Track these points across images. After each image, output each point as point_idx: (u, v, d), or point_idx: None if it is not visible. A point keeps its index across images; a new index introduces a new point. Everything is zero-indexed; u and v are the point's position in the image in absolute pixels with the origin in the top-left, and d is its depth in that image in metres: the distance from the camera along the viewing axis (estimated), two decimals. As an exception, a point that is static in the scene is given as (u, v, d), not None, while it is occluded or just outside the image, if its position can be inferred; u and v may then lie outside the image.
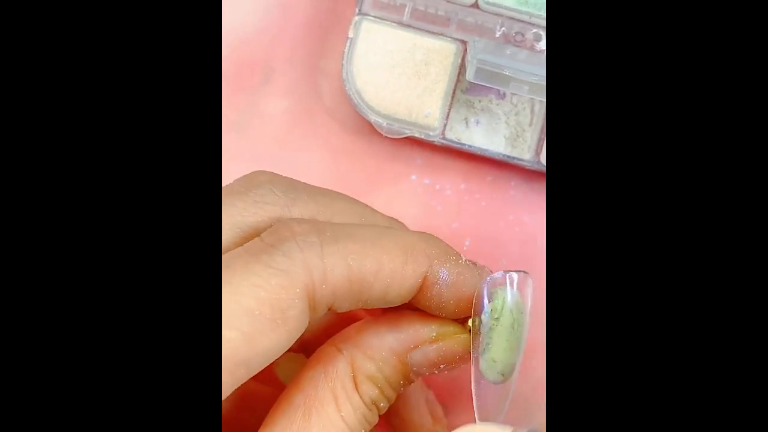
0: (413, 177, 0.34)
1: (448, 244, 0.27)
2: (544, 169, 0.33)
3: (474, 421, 0.26)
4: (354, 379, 0.25)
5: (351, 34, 0.32)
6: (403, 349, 0.26)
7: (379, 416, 0.27)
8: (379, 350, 0.26)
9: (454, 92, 0.33)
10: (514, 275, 0.26)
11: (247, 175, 0.27)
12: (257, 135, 0.34)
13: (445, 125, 0.33)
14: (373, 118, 0.32)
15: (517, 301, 0.26)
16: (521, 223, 0.34)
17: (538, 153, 0.33)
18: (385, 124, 0.32)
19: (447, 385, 0.33)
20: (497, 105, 0.33)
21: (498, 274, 0.26)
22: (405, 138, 0.33)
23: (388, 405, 0.26)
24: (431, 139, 0.33)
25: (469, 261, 0.27)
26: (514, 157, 0.33)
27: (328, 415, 0.25)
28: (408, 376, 0.26)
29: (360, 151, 0.34)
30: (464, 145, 0.33)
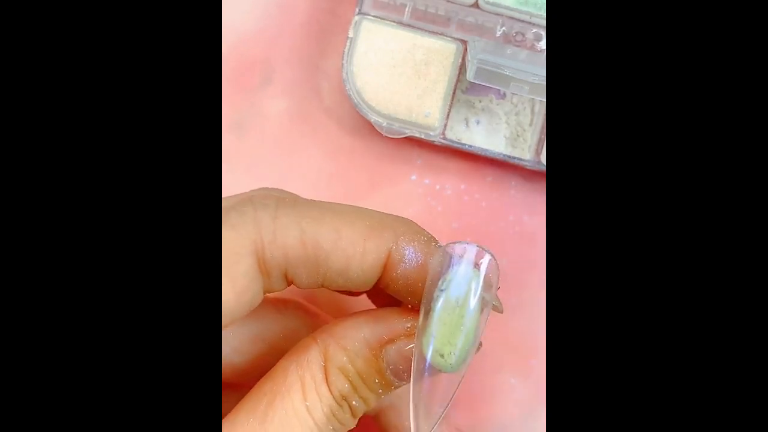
0: (413, 177, 0.34)
1: (421, 228, 0.26)
2: (544, 169, 0.33)
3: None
4: (324, 369, 0.24)
5: (351, 34, 0.32)
6: (377, 341, 0.24)
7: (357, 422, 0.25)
8: (352, 341, 0.24)
9: (454, 92, 0.33)
10: (468, 248, 0.24)
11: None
12: (257, 135, 0.34)
13: (445, 125, 0.33)
14: (373, 117, 0.32)
15: (472, 277, 0.23)
16: (521, 223, 0.34)
17: (538, 153, 0.33)
18: (385, 124, 0.32)
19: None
20: (497, 105, 0.33)
21: (453, 245, 0.24)
22: (405, 138, 0.33)
23: (363, 407, 0.25)
24: (431, 139, 0.32)
25: (440, 245, 0.25)
26: (514, 157, 0.33)
27: (292, 404, 0.24)
28: (383, 374, 0.25)
29: (360, 151, 0.34)
30: (464, 145, 0.33)
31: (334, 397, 0.24)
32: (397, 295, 0.25)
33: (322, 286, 0.25)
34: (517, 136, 0.33)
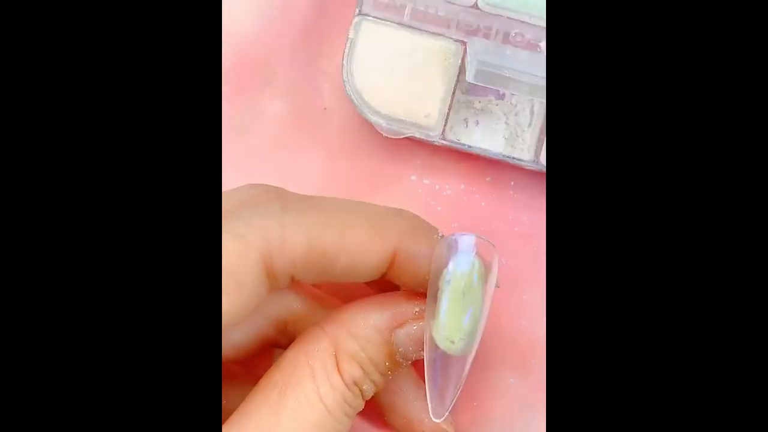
0: (413, 177, 0.34)
1: (423, 219, 0.26)
2: (544, 169, 0.33)
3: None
4: (335, 357, 0.25)
5: (351, 35, 0.32)
6: (386, 326, 0.25)
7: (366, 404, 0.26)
8: (363, 328, 0.25)
9: (453, 93, 0.33)
10: (468, 239, 0.25)
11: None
12: (257, 135, 0.34)
13: (444, 126, 0.33)
14: (373, 118, 0.32)
15: (473, 266, 0.25)
16: (521, 223, 0.34)
17: (537, 153, 0.33)
18: (385, 125, 0.32)
19: None
20: (497, 105, 0.33)
21: (454, 237, 0.25)
22: (405, 138, 0.33)
23: (373, 389, 0.26)
24: (431, 139, 0.33)
25: (443, 235, 0.26)
26: (513, 158, 0.33)
27: (304, 393, 0.24)
28: (394, 357, 0.25)
29: (360, 151, 0.34)
30: (464, 145, 0.33)
31: (346, 383, 0.25)
32: (404, 286, 0.26)
33: (327, 283, 0.26)
34: (516, 136, 0.33)
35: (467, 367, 0.25)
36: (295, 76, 0.34)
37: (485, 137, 0.33)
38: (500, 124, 0.33)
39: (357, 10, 0.32)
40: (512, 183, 0.34)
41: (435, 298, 0.25)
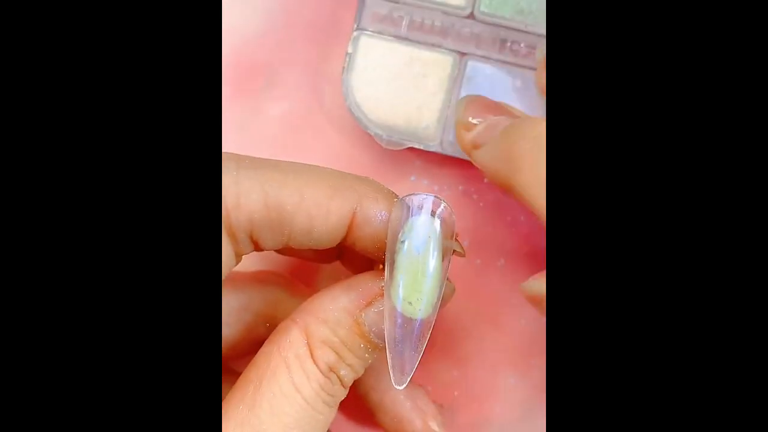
0: (412, 178, 0.34)
1: (386, 187, 0.26)
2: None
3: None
4: (308, 345, 0.24)
5: (350, 50, 0.33)
6: (355, 307, 0.25)
7: (348, 392, 0.26)
8: (332, 312, 0.25)
9: (451, 103, 0.33)
10: (424, 198, 0.24)
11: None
12: (257, 137, 0.34)
13: (443, 135, 0.33)
14: (373, 130, 0.33)
15: (428, 225, 0.24)
16: (520, 223, 0.34)
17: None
18: (385, 136, 0.33)
19: (437, 351, 0.34)
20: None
21: (409, 197, 0.25)
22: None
23: (352, 374, 0.25)
24: (430, 149, 0.33)
25: (400, 198, 0.25)
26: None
27: (279, 385, 0.24)
28: (368, 338, 0.25)
29: (359, 153, 0.34)
30: (464, 154, 0.33)
31: (321, 370, 0.24)
32: (365, 252, 0.26)
33: (288, 246, 0.25)
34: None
35: (428, 332, 0.24)
36: (295, 79, 0.35)
37: (485, 146, 0.33)
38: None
39: (355, 25, 0.33)
40: (511, 183, 0.34)
41: (392, 261, 0.24)
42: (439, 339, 0.34)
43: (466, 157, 0.33)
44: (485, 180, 0.34)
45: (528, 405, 0.34)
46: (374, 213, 0.25)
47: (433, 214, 0.24)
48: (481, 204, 0.34)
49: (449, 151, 0.33)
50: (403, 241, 0.24)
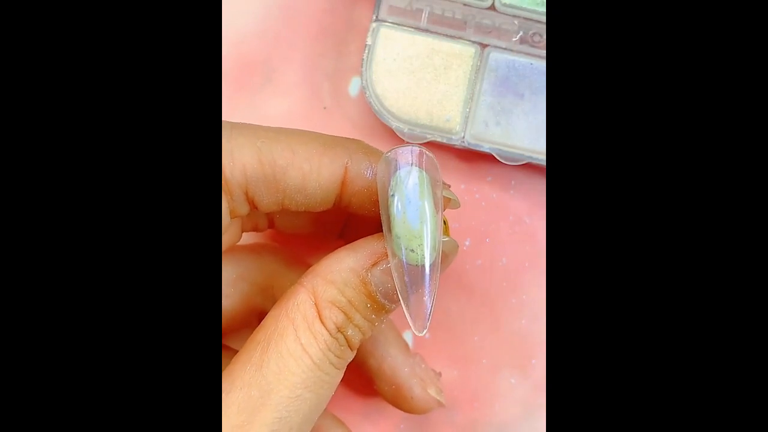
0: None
1: (373, 146, 0.27)
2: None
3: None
4: (316, 306, 0.25)
5: (369, 41, 0.32)
6: (361, 267, 0.25)
7: (354, 355, 0.26)
8: (339, 273, 0.25)
9: (473, 95, 0.33)
10: (407, 149, 0.25)
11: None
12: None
13: (465, 128, 0.33)
14: (394, 124, 0.33)
15: (416, 173, 0.24)
16: (521, 223, 0.34)
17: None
18: (406, 130, 0.33)
19: (437, 351, 0.34)
20: (517, 106, 0.33)
21: (393, 151, 0.25)
22: (405, 139, 0.33)
23: (359, 335, 0.25)
24: (453, 143, 0.33)
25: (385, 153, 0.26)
26: (536, 158, 0.33)
27: (286, 345, 0.24)
28: (375, 298, 0.25)
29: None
30: (485, 147, 0.33)
31: (328, 330, 0.25)
32: (361, 211, 0.26)
33: (283, 206, 0.26)
34: (539, 136, 0.33)
35: (437, 275, 0.25)
36: (295, 76, 0.34)
37: (506, 138, 0.33)
38: (520, 123, 0.33)
39: (374, 17, 0.32)
40: (513, 183, 0.34)
41: (388, 215, 0.25)
42: (439, 339, 0.34)
43: (487, 152, 0.33)
44: (488, 179, 0.34)
45: (528, 405, 0.34)
46: (365, 167, 0.26)
47: (417, 164, 0.25)
48: (483, 203, 0.34)
49: (471, 142, 0.33)
50: (393, 195, 0.24)
